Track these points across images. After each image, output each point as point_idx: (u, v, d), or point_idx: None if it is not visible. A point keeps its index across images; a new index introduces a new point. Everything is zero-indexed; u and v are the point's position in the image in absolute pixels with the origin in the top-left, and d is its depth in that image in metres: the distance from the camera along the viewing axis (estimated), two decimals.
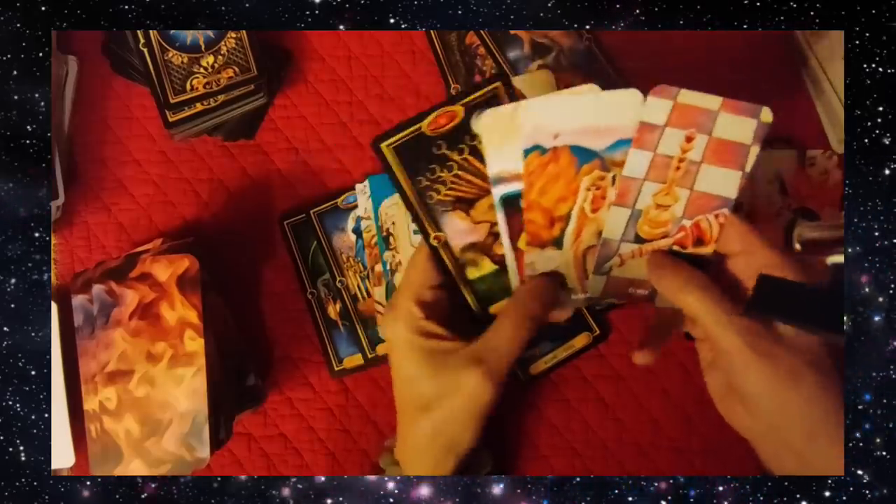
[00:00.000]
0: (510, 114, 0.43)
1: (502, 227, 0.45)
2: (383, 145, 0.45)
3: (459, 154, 0.45)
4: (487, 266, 0.46)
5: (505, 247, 0.45)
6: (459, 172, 0.45)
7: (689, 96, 0.42)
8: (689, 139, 0.42)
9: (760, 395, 0.39)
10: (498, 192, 0.44)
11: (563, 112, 0.42)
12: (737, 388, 0.41)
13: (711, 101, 0.41)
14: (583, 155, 0.43)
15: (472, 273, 0.46)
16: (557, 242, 0.44)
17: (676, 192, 0.43)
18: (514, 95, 0.45)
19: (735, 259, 0.43)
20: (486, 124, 0.43)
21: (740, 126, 0.42)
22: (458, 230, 0.46)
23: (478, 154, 0.45)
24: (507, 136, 0.43)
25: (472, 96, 0.45)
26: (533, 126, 0.42)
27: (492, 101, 0.45)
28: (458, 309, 0.47)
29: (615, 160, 0.43)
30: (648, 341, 0.48)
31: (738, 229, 0.43)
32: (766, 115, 0.42)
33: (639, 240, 0.44)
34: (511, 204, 0.44)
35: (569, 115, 0.42)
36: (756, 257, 0.42)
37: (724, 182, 0.42)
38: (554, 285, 0.45)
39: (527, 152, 0.43)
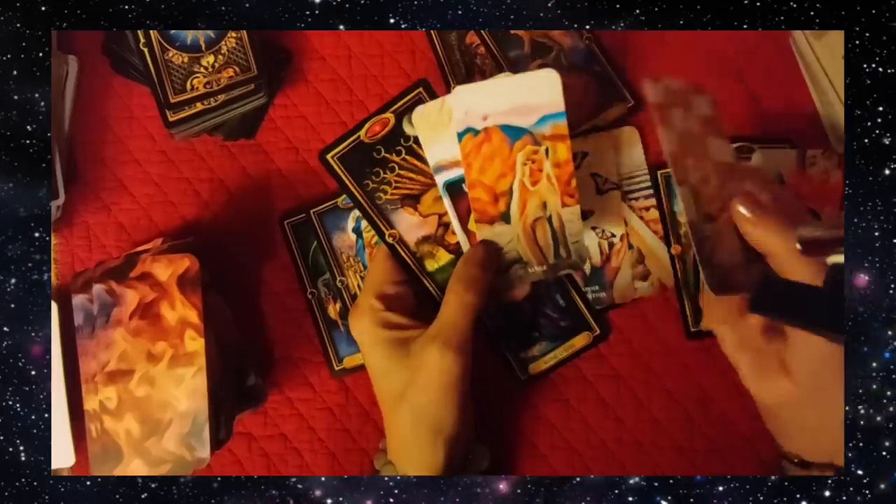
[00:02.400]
0: (438, 108, 0.47)
1: (451, 212, 0.49)
2: (328, 156, 0.50)
3: (398, 155, 0.49)
4: (444, 256, 0.49)
5: (456, 229, 0.49)
6: (401, 172, 0.49)
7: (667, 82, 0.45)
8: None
9: (805, 367, 0.41)
10: (440, 179, 0.48)
11: (488, 96, 0.46)
12: (781, 361, 0.42)
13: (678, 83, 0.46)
14: (513, 133, 0.47)
15: (431, 265, 0.49)
16: (505, 217, 0.48)
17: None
18: (435, 97, 0.49)
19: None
20: (418, 120, 0.48)
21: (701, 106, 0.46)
22: (409, 225, 0.49)
23: (414, 154, 0.49)
24: (439, 128, 0.48)
25: (399, 103, 0.49)
26: (463, 111, 0.47)
27: (418, 103, 0.48)
28: (424, 302, 0.49)
29: (545, 134, 0.46)
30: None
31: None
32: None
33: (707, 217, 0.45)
34: (455, 189, 0.49)
35: (494, 97, 0.46)
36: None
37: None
38: (487, 248, 0.48)
39: (461, 135, 0.47)
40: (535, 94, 0.46)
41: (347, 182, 0.49)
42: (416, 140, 0.49)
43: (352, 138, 0.49)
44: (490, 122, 0.46)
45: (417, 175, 0.49)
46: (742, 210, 0.42)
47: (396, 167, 0.49)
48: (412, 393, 0.45)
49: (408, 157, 0.49)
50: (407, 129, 0.49)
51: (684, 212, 0.44)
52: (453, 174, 0.48)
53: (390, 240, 0.49)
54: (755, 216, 0.42)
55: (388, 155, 0.49)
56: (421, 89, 0.49)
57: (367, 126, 0.49)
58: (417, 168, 0.49)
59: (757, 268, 0.43)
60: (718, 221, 0.43)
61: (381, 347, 0.46)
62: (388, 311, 0.47)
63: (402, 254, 0.49)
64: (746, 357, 0.45)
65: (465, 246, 0.49)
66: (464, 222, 0.48)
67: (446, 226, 0.49)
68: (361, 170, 0.49)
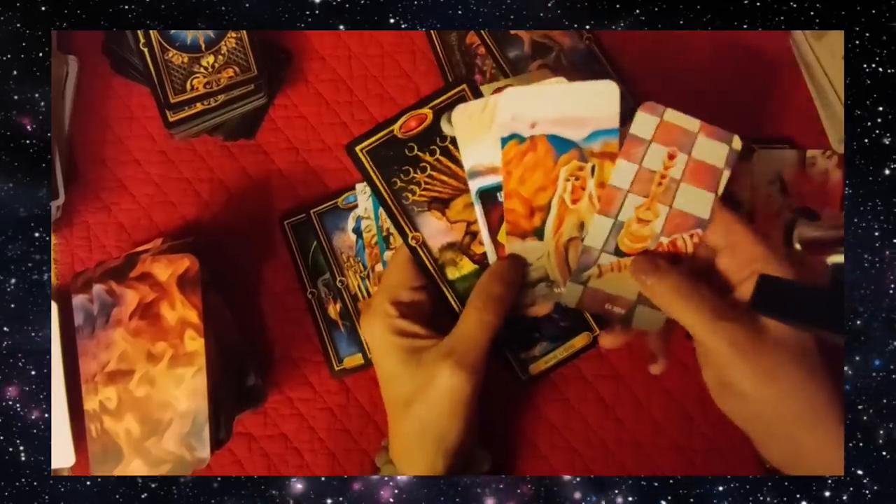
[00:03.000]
0: (481, 108, 0.44)
1: (481, 220, 0.46)
2: (358, 149, 0.46)
3: (431, 155, 0.46)
4: (467, 266, 0.47)
5: (485, 239, 0.46)
6: (433, 173, 0.46)
7: (673, 115, 0.43)
8: (671, 156, 0.43)
9: (745, 390, 0.41)
10: (474, 185, 0.45)
11: (540, 101, 0.43)
12: (727, 384, 0.42)
13: (691, 123, 0.43)
14: (560, 144, 0.44)
15: (453, 273, 0.47)
16: (538, 233, 0.45)
17: (657, 208, 0.44)
18: (480, 97, 0.46)
19: (721, 256, 0.44)
20: (458, 119, 0.44)
21: (715, 150, 0.43)
22: (435, 230, 0.47)
23: (450, 155, 0.46)
24: (479, 130, 0.44)
25: (440, 98, 0.46)
26: (511, 115, 0.43)
27: (460, 101, 0.46)
28: (440, 309, 0.47)
29: (593, 151, 0.44)
30: (657, 351, 0.49)
31: (724, 220, 0.43)
32: (737, 142, 0.43)
33: (619, 253, 0.45)
34: (488, 197, 0.46)
35: (546, 104, 0.43)
36: (740, 251, 0.42)
37: (699, 202, 0.43)
38: (514, 265, 0.46)
39: (505, 141, 0.44)
40: (590, 105, 0.43)
41: (375, 178, 0.46)
42: (454, 141, 0.46)
43: (384, 132, 0.46)
44: (538, 131, 0.44)
45: (450, 178, 0.46)
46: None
47: (428, 167, 0.46)
48: (420, 404, 0.44)
49: (442, 158, 0.46)
50: (445, 128, 0.46)
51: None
52: (489, 181, 0.45)
53: (413, 243, 0.46)
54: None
55: (420, 154, 0.46)
56: (465, 87, 0.46)
57: (402, 120, 0.46)
58: (451, 171, 0.46)
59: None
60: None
61: (392, 353, 0.45)
62: (401, 318, 0.45)
63: (424, 258, 0.47)
64: (705, 372, 0.44)
65: (492, 258, 0.46)
66: (494, 233, 0.46)
67: (474, 234, 0.47)
68: (390, 166, 0.46)
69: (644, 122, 0.43)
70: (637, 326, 0.46)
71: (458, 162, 0.46)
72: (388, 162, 0.46)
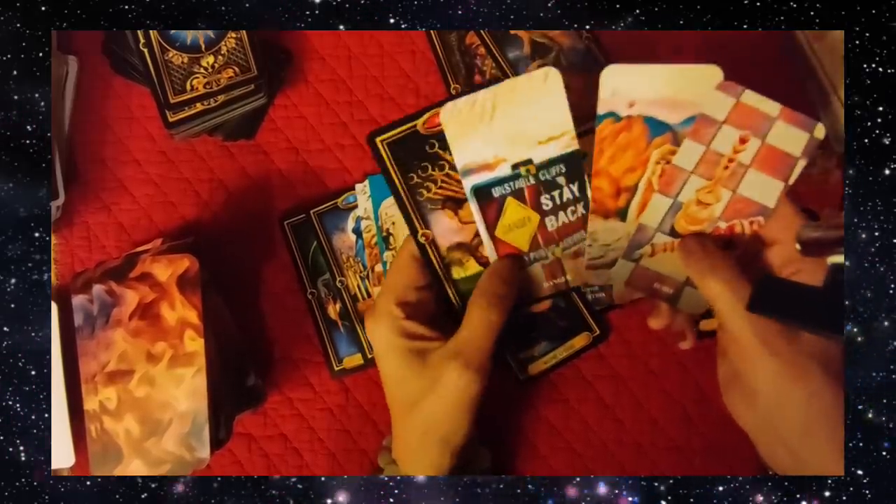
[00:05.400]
0: (470, 104, 0.44)
1: (477, 217, 0.46)
2: (378, 140, 0.46)
3: (451, 154, 0.46)
4: (473, 267, 0.47)
5: (483, 236, 0.46)
6: (451, 172, 0.46)
7: (751, 97, 0.42)
8: (742, 140, 0.42)
9: (762, 389, 0.40)
10: (468, 182, 0.46)
11: (642, 80, 0.43)
12: (741, 378, 0.41)
13: (771, 107, 0.42)
14: (655, 127, 0.43)
15: (458, 273, 0.47)
16: (621, 214, 0.45)
17: (720, 192, 0.43)
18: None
19: (772, 248, 0.43)
20: (447, 118, 0.44)
21: (793, 137, 0.42)
22: (445, 229, 0.46)
23: None
24: (468, 126, 0.45)
25: None
26: (611, 91, 0.43)
27: None
28: (443, 309, 0.47)
29: (687, 135, 0.43)
30: (685, 328, 0.48)
31: (786, 213, 0.43)
32: (819, 131, 0.42)
33: (674, 233, 0.44)
34: (483, 194, 0.46)
35: (647, 84, 0.43)
36: (791, 248, 0.41)
37: (767, 190, 0.42)
38: (514, 264, 0.46)
39: (601, 118, 0.43)
40: (691, 88, 0.42)
41: (392, 171, 0.46)
42: None
43: (407, 125, 0.46)
44: (635, 111, 0.43)
45: None
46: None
47: (447, 166, 0.46)
48: (426, 405, 0.44)
49: None
50: (443, 118, 0.46)
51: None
52: (482, 178, 0.45)
53: (422, 240, 0.46)
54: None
55: (441, 151, 0.46)
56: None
57: (426, 116, 0.46)
58: None
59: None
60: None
61: (397, 355, 0.45)
62: (408, 319, 0.45)
63: (432, 256, 0.47)
64: (721, 367, 0.44)
65: (492, 255, 0.47)
66: (491, 229, 0.46)
67: None
68: (409, 161, 0.46)
69: (718, 102, 0.42)
70: (683, 308, 0.46)
71: None
72: (407, 156, 0.46)
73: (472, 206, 0.46)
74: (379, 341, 0.46)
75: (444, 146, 0.46)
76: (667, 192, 0.43)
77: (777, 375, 0.39)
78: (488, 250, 0.47)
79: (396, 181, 0.46)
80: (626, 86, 0.43)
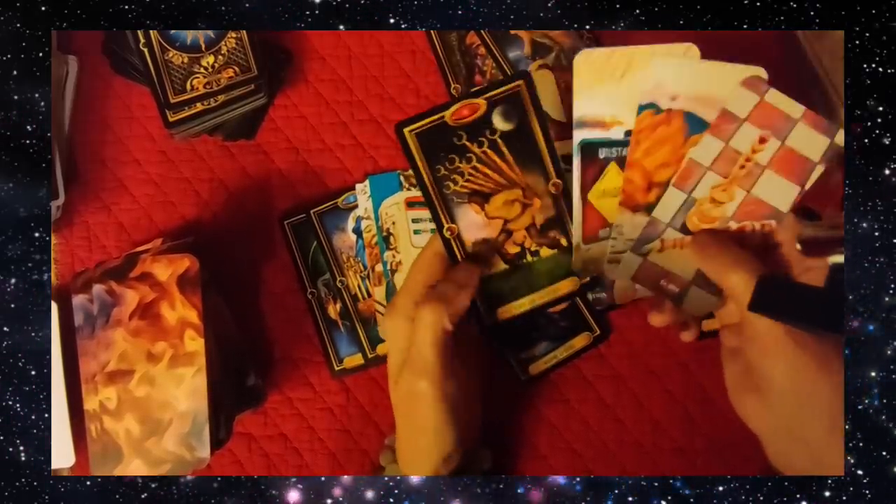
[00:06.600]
0: (606, 56, 0.43)
1: (576, 173, 0.45)
2: (406, 130, 0.45)
3: (479, 147, 0.45)
4: (498, 265, 0.46)
5: (574, 196, 0.45)
6: (478, 165, 0.45)
7: (775, 97, 0.42)
8: (762, 140, 0.42)
9: (785, 386, 0.39)
10: (578, 136, 0.44)
11: (685, 74, 0.42)
12: (760, 376, 0.40)
13: (794, 108, 0.42)
14: (694, 123, 0.43)
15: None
16: (650, 209, 0.44)
17: (734, 191, 0.43)
18: (536, 95, 0.45)
19: (781, 250, 0.43)
20: (581, 62, 0.43)
21: (813, 141, 0.42)
22: (471, 223, 0.46)
23: (497, 149, 0.45)
24: (598, 79, 0.43)
25: (496, 91, 0.45)
26: (655, 82, 0.42)
27: (515, 97, 0.45)
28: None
29: (708, 130, 0.43)
30: (689, 319, 0.47)
31: (787, 216, 0.42)
32: (841, 138, 0.41)
33: (685, 230, 0.44)
34: (589, 151, 0.44)
35: (691, 79, 0.42)
36: (792, 250, 0.41)
37: (781, 193, 0.42)
38: (474, 268, 0.45)
39: (641, 108, 0.43)
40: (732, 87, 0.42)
41: (419, 162, 0.45)
42: (504, 135, 0.45)
43: (435, 116, 0.45)
44: (677, 105, 0.42)
45: (494, 173, 0.45)
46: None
47: (474, 159, 0.45)
48: (409, 360, 0.44)
49: (489, 152, 0.45)
50: (496, 122, 0.45)
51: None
52: (594, 134, 0.44)
53: (447, 234, 0.45)
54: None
55: (468, 143, 0.45)
56: (522, 83, 0.45)
57: (454, 107, 0.45)
58: (496, 165, 0.45)
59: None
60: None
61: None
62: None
63: (456, 251, 0.46)
64: (730, 368, 0.43)
65: (577, 215, 0.45)
66: (585, 190, 0.44)
67: (510, 233, 0.46)
68: (436, 153, 0.45)
69: (742, 99, 0.42)
70: (687, 308, 0.45)
71: (504, 157, 0.45)
72: (434, 148, 0.45)
73: (575, 161, 0.44)
74: (395, 340, 0.45)
75: (472, 138, 0.45)
76: (682, 187, 0.43)
77: (805, 368, 0.38)
78: (575, 212, 0.45)
79: (423, 173, 0.45)
80: (671, 79, 0.42)
